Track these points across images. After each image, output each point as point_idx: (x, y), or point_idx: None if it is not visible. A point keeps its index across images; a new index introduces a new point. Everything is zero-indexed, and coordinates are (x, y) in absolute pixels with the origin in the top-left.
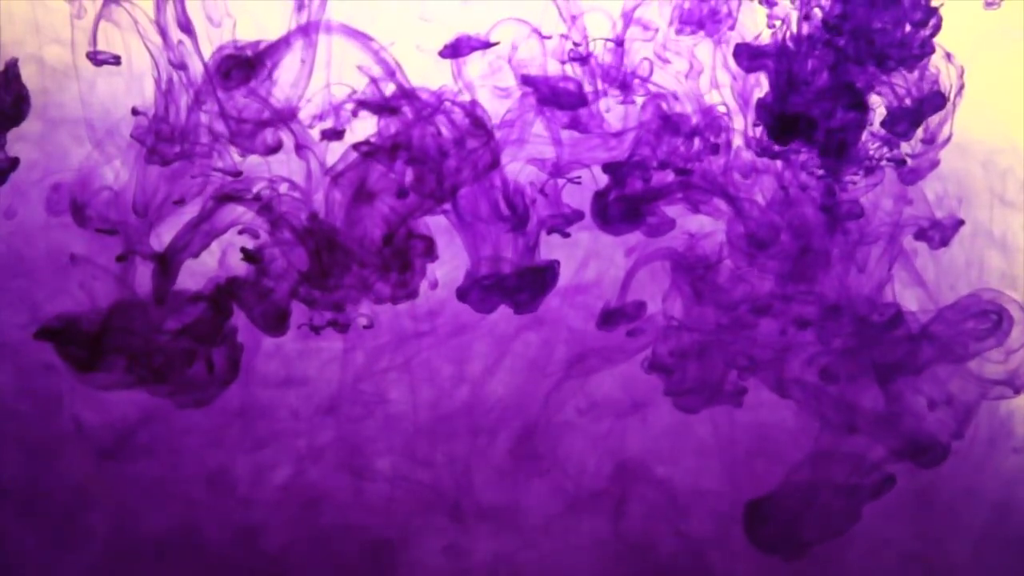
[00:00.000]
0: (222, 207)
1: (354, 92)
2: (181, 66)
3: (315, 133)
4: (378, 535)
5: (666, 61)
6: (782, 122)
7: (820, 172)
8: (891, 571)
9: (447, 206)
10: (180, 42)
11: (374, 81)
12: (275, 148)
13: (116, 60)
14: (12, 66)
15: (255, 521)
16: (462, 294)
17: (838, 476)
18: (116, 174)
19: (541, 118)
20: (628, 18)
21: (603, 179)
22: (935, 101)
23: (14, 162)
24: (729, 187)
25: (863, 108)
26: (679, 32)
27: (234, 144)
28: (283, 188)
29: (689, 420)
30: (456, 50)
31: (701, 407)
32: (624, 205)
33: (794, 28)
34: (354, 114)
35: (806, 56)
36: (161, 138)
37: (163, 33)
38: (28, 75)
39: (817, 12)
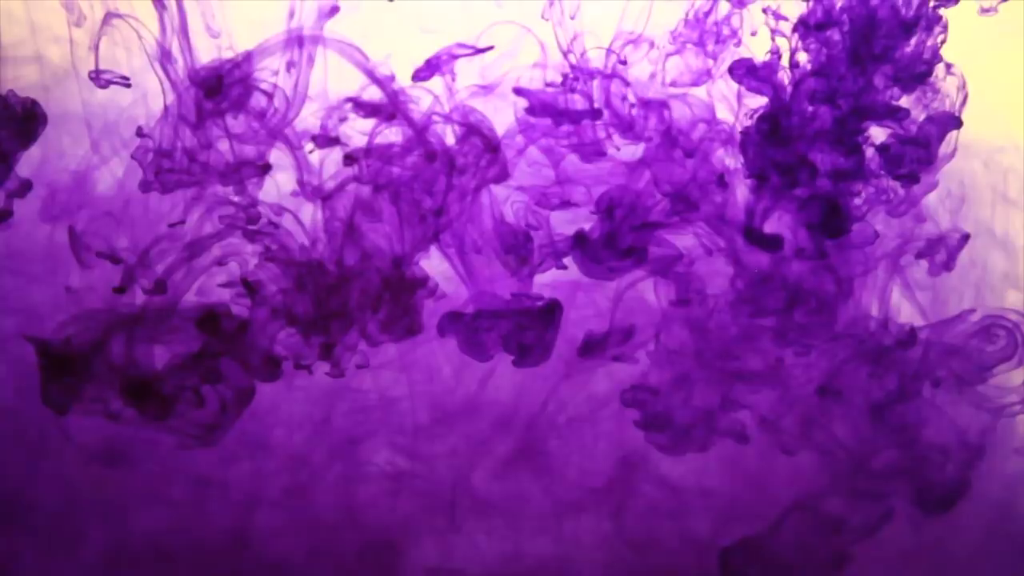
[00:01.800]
0: (221, 238)
1: (349, 106)
2: (182, 89)
3: (310, 150)
4: (377, 535)
5: (667, 82)
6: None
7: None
8: (892, 571)
9: (441, 238)
10: (185, 67)
11: (365, 85)
12: (266, 169)
13: (126, 82)
14: (9, 97)
15: (252, 523)
16: (454, 335)
17: (834, 510)
18: (115, 181)
19: (535, 146)
20: (626, 37)
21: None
22: (946, 123)
23: (26, 185)
24: (732, 225)
25: (858, 154)
26: (675, 71)
27: (231, 168)
28: (286, 219)
29: None
30: (436, 67)
31: (692, 449)
32: (613, 247)
33: (793, 43)
34: (342, 119)
35: (798, 102)
36: (163, 170)
37: (164, 53)
38: (28, 75)
39: (803, 57)
